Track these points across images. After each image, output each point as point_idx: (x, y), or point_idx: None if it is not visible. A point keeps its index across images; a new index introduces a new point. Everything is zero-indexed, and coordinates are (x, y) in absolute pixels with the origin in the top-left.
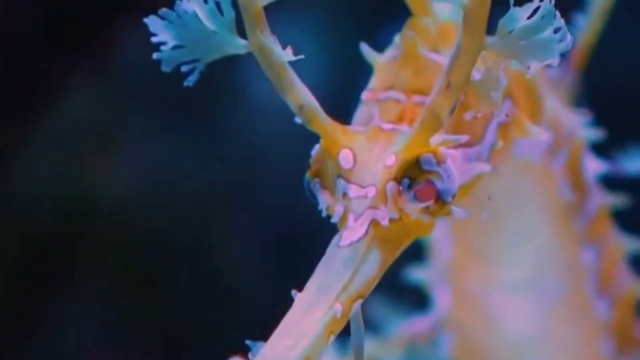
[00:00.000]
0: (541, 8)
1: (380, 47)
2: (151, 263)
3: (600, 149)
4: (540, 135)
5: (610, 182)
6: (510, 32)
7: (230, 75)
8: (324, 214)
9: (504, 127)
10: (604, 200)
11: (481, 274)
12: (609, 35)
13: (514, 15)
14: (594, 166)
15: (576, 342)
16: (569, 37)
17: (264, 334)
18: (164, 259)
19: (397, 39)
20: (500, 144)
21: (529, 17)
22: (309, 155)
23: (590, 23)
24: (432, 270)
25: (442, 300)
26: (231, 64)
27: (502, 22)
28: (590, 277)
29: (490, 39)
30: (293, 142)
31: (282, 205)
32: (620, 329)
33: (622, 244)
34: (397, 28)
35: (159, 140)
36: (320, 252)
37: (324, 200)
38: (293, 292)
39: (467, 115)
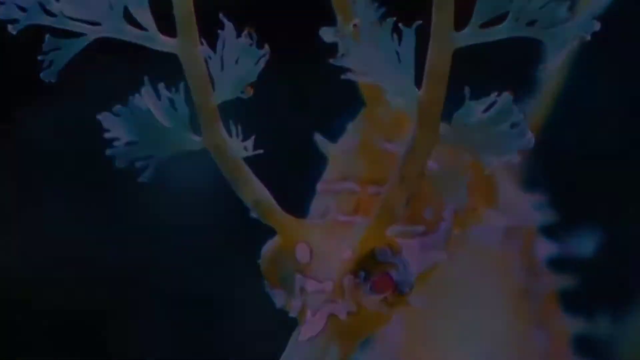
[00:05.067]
0: (498, 102)
1: (333, 137)
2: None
3: (550, 231)
4: (495, 220)
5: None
6: (465, 125)
7: None
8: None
9: (459, 214)
10: (553, 282)
11: None
12: (559, 116)
13: (469, 109)
14: (545, 248)
15: None
16: (528, 134)
17: None
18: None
19: (350, 128)
20: (455, 230)
21: (486, 111)
22: None
23: (539, 105)
24: (377, 355)
25: None
26: None
27: (456, 115)
28: None
29: (445, 133)
30: None
31: None
32: None
33: (568, 326)
34: (349, 118)
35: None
36: None
37: (279, 300)
38: None
39: (427, 212)
